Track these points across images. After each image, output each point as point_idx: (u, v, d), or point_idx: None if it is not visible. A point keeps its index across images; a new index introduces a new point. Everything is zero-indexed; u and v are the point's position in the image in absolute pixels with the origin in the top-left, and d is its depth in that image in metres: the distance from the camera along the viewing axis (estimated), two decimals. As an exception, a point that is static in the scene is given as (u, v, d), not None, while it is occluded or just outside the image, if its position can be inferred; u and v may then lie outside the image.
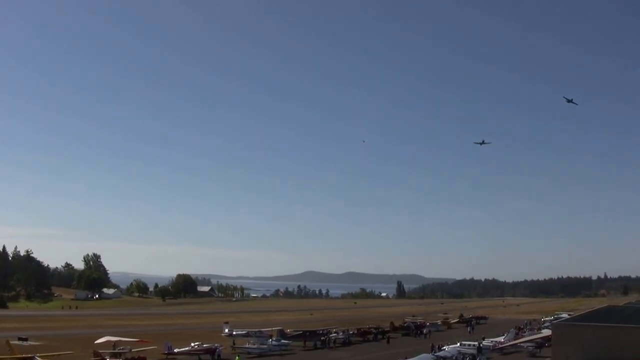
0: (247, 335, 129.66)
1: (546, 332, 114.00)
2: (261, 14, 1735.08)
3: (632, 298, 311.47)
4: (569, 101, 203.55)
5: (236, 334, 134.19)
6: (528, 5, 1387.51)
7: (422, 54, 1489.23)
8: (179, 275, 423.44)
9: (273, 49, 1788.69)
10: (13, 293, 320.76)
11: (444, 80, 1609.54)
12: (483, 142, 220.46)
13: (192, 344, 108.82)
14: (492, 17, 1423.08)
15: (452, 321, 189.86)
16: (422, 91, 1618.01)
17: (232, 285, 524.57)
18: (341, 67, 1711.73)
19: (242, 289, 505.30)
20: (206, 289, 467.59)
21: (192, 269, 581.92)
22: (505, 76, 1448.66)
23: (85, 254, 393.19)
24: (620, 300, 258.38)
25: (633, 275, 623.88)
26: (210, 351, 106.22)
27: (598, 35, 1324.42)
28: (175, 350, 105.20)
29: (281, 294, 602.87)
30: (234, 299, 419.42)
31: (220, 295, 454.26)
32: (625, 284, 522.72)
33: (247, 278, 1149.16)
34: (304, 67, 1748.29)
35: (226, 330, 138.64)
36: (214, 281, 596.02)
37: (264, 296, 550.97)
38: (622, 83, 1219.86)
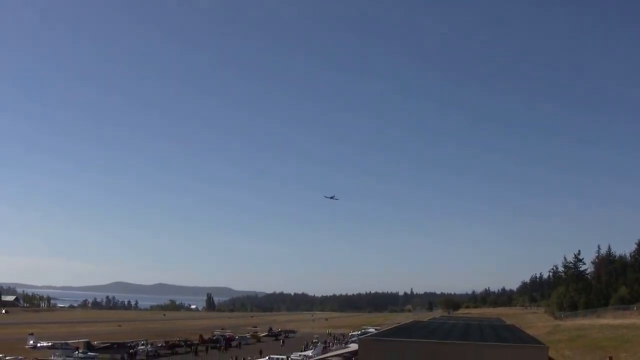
0: (52, 347, 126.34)
1: (353, 347, 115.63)
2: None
3: (436, 313, 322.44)
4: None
5: (41, 345, 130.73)
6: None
7: (407, 66, 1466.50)
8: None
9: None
10: None
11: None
12: (333, 197, 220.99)
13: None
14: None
15: (261, 334, 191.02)
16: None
17: (38, 294, 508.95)
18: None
19: (48, 299, 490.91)
20: (11, 298, 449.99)
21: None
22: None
23: None
24: (425, 316, 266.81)
25: (438, 292, 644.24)
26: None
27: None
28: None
29: (89, 305, 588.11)
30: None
31: (25, 305, 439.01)
32: (430, 300, 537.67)
33: (54, 287, 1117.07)
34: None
35: (31, 342, 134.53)
36: (19, 290, 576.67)
37: (71, 306, 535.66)
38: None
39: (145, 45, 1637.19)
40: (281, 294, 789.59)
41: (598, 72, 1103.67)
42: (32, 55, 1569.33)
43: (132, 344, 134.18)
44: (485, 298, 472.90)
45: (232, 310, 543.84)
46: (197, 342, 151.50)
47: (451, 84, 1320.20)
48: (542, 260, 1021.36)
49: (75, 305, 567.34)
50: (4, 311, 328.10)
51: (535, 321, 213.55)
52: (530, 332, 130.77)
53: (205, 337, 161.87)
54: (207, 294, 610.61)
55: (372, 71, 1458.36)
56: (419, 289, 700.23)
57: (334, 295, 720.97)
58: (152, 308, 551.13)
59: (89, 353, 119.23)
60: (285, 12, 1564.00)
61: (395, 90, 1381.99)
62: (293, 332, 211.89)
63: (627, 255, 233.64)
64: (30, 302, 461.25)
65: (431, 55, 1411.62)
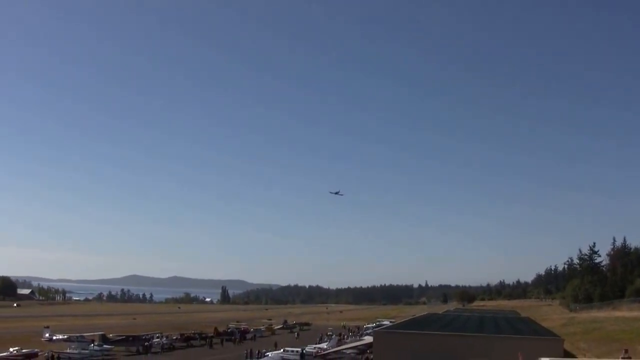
0: (68, 340, 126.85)
1: (368, 339, 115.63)
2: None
3: (451, 306, 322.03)
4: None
5: (57, 338, 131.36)
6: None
7: (413, 59, 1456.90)
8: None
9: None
10: None
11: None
12: (337, 193, 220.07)
13: (11, 349, 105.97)
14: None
15: (275, 327, 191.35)
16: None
17: (53, 288, 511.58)
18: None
19: (64, 292, 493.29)
20: (26, 291, 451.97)
21: (10, 271, 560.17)
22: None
23: None
24: (440, 308, 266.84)
25: (452, 284, 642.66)
26: (31, 356, 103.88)
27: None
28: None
29: (104, 298, 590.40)
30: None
31: (41, 298, 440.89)
32: (445, 292, 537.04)
33: (70, 281, 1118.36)
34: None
35: (46, 335, 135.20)
36: (34, 284, 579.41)
37: (86, 300, 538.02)
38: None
39: (156, 39, 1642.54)
40: (296, 286, 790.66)
41: (612, 64, 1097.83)
42: (34, 46, 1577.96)
43: (147, 337, 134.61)
44: (500, 290, 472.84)
45: (246, 303, 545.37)
46: (212, 334, 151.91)
47: (461, 78, 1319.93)
48: (557, 253, 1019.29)
49: (91, 298, 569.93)
50: (15, 305, 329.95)
51: (550, 313, 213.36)
52: (545, 324, 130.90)
53: (220, 329, 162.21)
54: (222, 287, 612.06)
55: (378, 65, 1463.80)
56: (434, 282, 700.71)
57: (349, 288, 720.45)
58: (167, 301, 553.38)
59: (105, 346, 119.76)
60: (292, 6, 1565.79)
61: (403, 84, 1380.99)
62: (308, 324, 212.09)
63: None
64: (45, 295, 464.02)
65: (437, 49, 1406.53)
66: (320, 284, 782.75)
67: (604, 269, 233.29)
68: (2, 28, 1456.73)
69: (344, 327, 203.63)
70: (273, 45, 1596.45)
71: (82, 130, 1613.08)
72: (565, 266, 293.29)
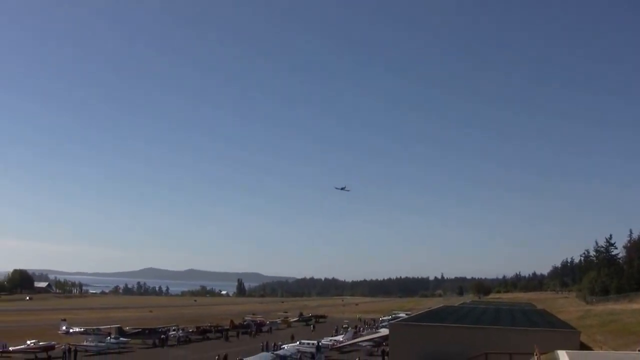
0: (85, 332, 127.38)
1: (384, 331, 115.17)
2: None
3: (467, 298, 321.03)
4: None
5: (73, 331, 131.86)
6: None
7: (419, 52, 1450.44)
8: (15, 271, 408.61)
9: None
10: None
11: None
12: (343, 188, 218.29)
13: (28, 342, 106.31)
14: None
15: (291, 320, 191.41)
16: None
17: (70, 281, 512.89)
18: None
19: (80, 285, 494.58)
20: (43, 284, 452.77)
21: (27, 264, 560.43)
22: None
23: None
24: (456, 301, 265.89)
25: (468, 277, 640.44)
26: (47, 349, 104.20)
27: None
28: (11, 349, 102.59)
29: (120, 291, 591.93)
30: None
31: (57, 291, 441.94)
32: (461, 285, 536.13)
33: (86, 274, 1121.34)
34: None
35: (63, 328, 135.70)
36: (51, 277, 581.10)
37: (102, 293, 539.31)
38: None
39: (167, 34, 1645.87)
40: (311, 279, 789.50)
41: (626, 55, 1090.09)
42: (44, 39, 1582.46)
43: (164, 330, 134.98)
44: (516, 283, 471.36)
45: (262, 296, 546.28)
46: (228, 327, 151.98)
47: (472, 71, 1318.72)
48: (574, 245, 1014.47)
49: (107, 291, 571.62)
50: (27, 298, 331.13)
51: (567, 306, 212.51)
52: (561, 316, 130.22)
53: (236, 322, 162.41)
54: (238, 280, 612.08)
55: (390, 58, 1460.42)
56: (450, 274, 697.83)
57: (364, 280, 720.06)
58: (183, 294, 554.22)
59: (121, 338, 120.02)
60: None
61: (415, 79, 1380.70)
62: (324, 317, 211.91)
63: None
64: (62, 288, 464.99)
65: (449, 43, 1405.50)
66: (336, 277, 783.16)
67: (620, 261, 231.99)
68: (10, 23, 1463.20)
69: (360, 319, 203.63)
70: (279, 39, 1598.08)
71: (97, 125, 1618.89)
72: (582, 258, 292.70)
